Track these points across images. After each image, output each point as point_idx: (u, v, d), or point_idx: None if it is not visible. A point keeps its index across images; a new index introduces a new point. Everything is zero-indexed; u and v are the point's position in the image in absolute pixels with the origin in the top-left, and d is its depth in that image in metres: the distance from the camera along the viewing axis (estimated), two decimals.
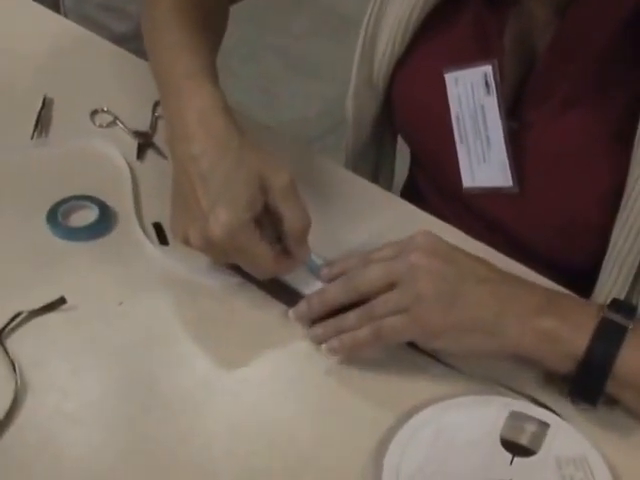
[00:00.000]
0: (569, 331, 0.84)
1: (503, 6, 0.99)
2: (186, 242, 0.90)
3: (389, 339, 0.87)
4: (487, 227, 1.09)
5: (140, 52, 1.26)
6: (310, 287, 0.93)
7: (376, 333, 0.86)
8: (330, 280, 0.92)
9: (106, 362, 0.91)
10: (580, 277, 1.00)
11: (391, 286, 0.86)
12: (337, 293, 0.89)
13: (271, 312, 0.95)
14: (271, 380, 0.91)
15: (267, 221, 0.90)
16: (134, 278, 0.98)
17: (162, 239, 1.02)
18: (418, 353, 0.90)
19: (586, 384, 0.85)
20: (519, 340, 0.85)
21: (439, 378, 0.90)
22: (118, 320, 0.94)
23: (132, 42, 1.40)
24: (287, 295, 0.94)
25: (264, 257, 0.89)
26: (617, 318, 0.84)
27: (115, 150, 1.12)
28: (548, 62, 0.97)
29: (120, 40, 1.31)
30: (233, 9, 1.17)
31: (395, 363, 0.91)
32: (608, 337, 0.83)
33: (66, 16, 1.54)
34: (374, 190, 1.13)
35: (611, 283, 0.98)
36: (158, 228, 1.02)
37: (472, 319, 0.85)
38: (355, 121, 1.17)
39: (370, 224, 1.05)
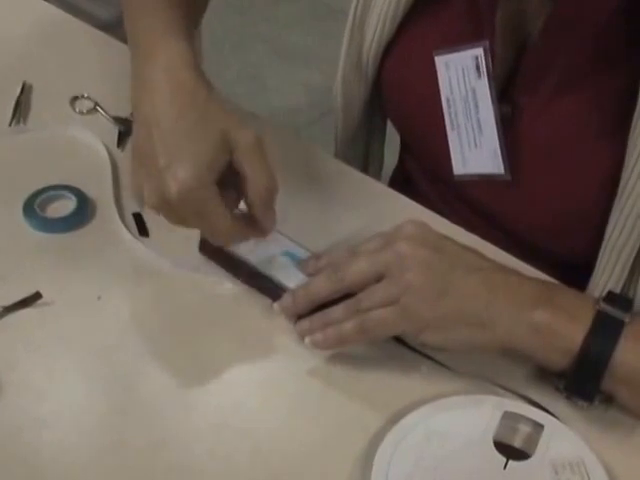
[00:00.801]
0: (563, 324, 0.81)
1: None
2: (141, 200, 0.86)
3: (376, 332, 0.84)
4: (479, 215, 1.06)
5: (124, 39, 1.23)
6: (295, 281, 0.90)
7: (362, 326, 0.83)
8: (313, 272, 0.89)
9: (83, 360, 0.87)
10: (575, 268, 0.98)
11: (379, 278, 0.83)
12: (322, 285, 0.85)
13: (255, 306, 0.92)
14: (255, 379, 0.87)
15: (232, 187, 0.85)
16: (113, 271, 0.95)
17: (142, 230, 0.98)
18: (407, 350, 0.87)
19: (582, 380, 0.82)
20: (510, 333, 0.82)
21: (429, 377, 0.87)
22: (96, 316, 0.90)
23: (117, 29, 1.36)
24: (272, 289, 0.91)
25: (223, 221, 0.83)
26: (613, 312, 0.82)
27: (95, 137, 1.08)
28: (541, 44, 0.94)
29: (104, 27, 1.27)
30: None
31: (383, 361, 0.87)
32: (604, 331, 0.81)
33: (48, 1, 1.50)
34: (363, 180, 1.10)
35: (607, 275, 0.95)
36: (138, 219, 0.99)
37: (462, 310, 0.82)
38: (344, 107, 1.14)
39: (359, 214, 1.02)
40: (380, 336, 0.85)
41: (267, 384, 0.86)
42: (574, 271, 0.97)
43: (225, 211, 0.84)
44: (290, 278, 0.90)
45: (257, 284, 0.93)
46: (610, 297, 0.83)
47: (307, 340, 0.85)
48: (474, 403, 0.83)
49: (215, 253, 0.95)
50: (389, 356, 0.87)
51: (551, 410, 0.83)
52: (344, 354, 0.87)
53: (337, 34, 1.26)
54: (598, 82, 0.93)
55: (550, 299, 0.83)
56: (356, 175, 1.10)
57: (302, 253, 0.93)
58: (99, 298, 0.92)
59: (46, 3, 1.34)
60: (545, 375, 0.86)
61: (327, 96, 1.18)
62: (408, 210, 1.04)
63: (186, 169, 0.81)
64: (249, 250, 0.93)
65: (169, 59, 0.89)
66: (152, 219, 0.99)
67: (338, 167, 1.10)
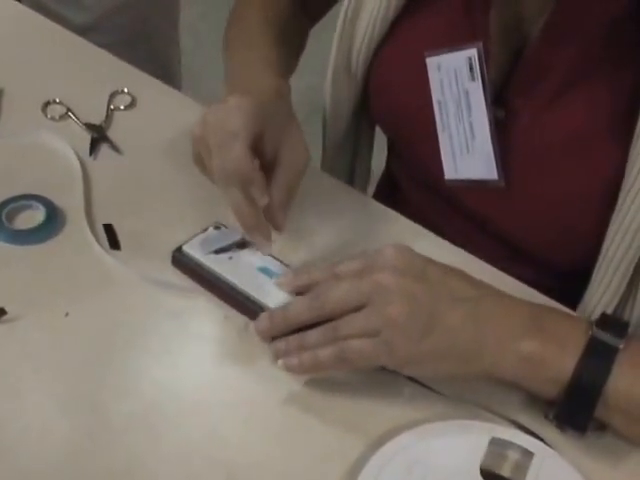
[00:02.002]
0: (553, 354, 0.78)
1: None
2: None
3: (355, 363, 0.80)
4: (471, 222, 1.02)
5: (100, 44, 1.19)
6: (272, 298, 0.86)
7: (340, 355, 0.79)
8: (291, 290, 0.85)
9: (49, 380, 0.83)
10: (571, 278, 0.95)
11: (359, 306, 0.79)
12: (301, 311, 0.81)
13: (231, 325, 0.87)
14: (229, 401, 0.83)
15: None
16: (82, 286, 0.90)
17: (113, 243, 0.93)
18: (389, 372, 0.82)
19: (573, 410, 0.79)
20: (498, 365, 0.78)
21: (413, 401, 0.82)
22: (63, 333, 0.86)
23: (91, 34, 1.33)
24: (247, 306, 0.87)
25: (244, 162, 0.84)
26: (606, 337, 0.78)
27: (66, 145, 1.04)
28: (540, 47, 0.91)
29: (79, 31, 1.23)
30: None
31: (364, 383, 0.83)
32: (597, 359, 0.77)
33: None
34: (347, 191, 1.06)
35: (603, 287, 0.91)
36: (109, 230, 0.94)
37: (447, 345, 0.78)
38: (332, 110, 1.10)
39: (342, 227, 0.98)
40: (358, 367, 0.81)
41: (242, 409, 0.82)
42: (571, 279, 0.94)
43: (249, 156, 0.84)
44: (267, 296, 0.86)
45: (232, 301, 0.88)
46: (604, 320, 0.80)
47: (280, 363, 0.81)
48: (460, 429, 0.79)
49: (188, 266, 0.91)
50: (370, 378, 0.83)
51: (542, 436, 0.80)
52: (322, 376, 0.83)
53: (323, 36, 1.23)
54: (597, 88, 0.89)
55: (540, 326, 0.79)
56: (340, 186, 1.06)
57: (279, 268, 0.89)
58: (67, 314, 0.87)
59: (20, 5, 1.30)
60: (536, 399, 0.82)
61: (312, 98, 1.14)
62: (393, 223, 1.00)
63: (241, 101, 0.86)
64: (224, 264, 0.89)
65: (261, 91, 0.92)
66: (124, 231, 0.94)
67: (321, 178, 1.06)
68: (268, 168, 0.88)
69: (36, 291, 0.89)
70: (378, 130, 1.14)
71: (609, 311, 0.91)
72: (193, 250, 0.91)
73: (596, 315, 0.88)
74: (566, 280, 0.93)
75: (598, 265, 0.91)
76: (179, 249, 0.91)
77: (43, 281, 0.90)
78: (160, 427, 0.80)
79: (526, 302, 0.82)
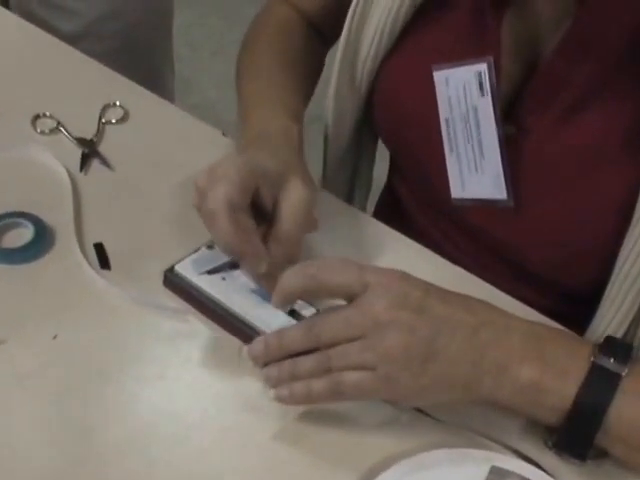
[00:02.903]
0: (553, 380, 0.76)
1: (502, 1, 0.91)
2: None
3: (350, 397, 0.77)
4: (476, 242, 1.00)
5: (89, 53, 1.17)
6: (266, 321, 0.84)
7: (335, 389, 0.76)
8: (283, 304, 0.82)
9: (36, 405, 0.81)
10: (580, 301, 0.92)
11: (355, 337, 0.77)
12: (297, 339, 0.78)
13: (223, 349, 0.85)
14: (221, 428, 0.81)
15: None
16: (71, 307, 0.88)
17: (103, 262, 0.91)
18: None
19: (574, 437, 0.77)
20: (496, 392, 0.77)
21: (410, 428, 0.81)
22: (51, 356, 0.84)
23: (82, 42, 1.31)
24: (240, 329, 0.85)
25: (230, 237, 0.82)
26: (609, 364, 0.76)
27: (55, 160, 1.01)
28: (555, 61, 0.88)
29: (69, 40, 1.21)
30: (202, 3, 1.09)
31: (359, 409, 0.81)
32: (599, 387, 0.75)
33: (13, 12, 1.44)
34: (347, 209, 1.04)
35: (613, 311, 0.89)
36: (100, 249, 0.92)
37: (446, 375, 0.76)
38: (335, 123, 1.08)
39: (340, 246, 0.96)
40: (353, 400, 0.79)
41: (235, 436, 0.80)
42: (580, 302, 0.92)
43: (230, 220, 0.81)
44: (260, 318, 0.84)
45: (225, 323, 0.86)
46: (608, 344, 0.78)
47: (272, 393, 0.78)
48: (458, 458, 0.77)
49: (180, 287, 0.89)
50: (364, 403, 0.81)
51: (542, 464, 0.78)
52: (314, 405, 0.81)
53: None
54: (612, 104, 0.87)
55: (540, 352, 0.77)
56: (340, 204, 1.04)
57: None
58: (55, 337, 0.85)
59: (10, 13, 1.28)
60: (535, 425, 0.80)
61: (311, 104, 1.13)
62: (394, 242, 0.98)
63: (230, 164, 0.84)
64: (217, 285, 0.87)
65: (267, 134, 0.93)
66: (114, 250, 0.92)
67: (320, 195, 1.03)
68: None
69: (23, 313, 0.87)
70: (381, 144, 1.12)
71: (620, 333, 0.89)
72: (185, 270, 0.89)
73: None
74: (573, 303, 0.91)
75: (610, 286, 0.88)
76: (171, 269, 0.89)
77: (31, 302, 0.88)
78: (152, 452, 0.78)
79: (527, 324, 0.80)
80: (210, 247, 0.90)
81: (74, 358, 0.84)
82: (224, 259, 0.89)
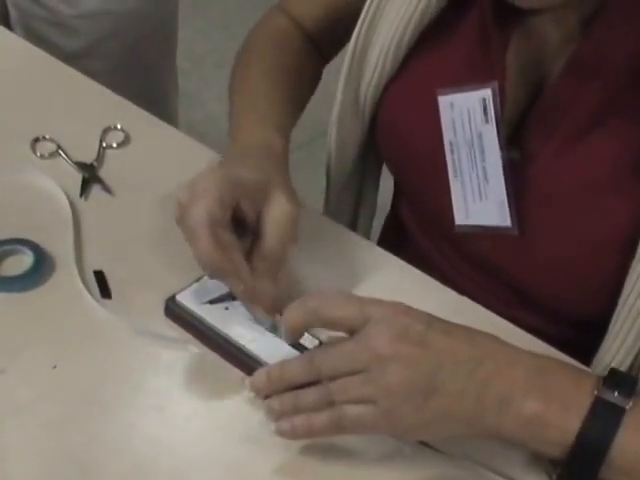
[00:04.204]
0: (557, 415, 0.75)
1: (507, 25, 0.90)
2: None
3: (352, 431, 0.77)
4: (481, 270, 0.99)
5: (91, 71, 1.16)
6: (270, 354, 0.82)
7: (336, 423, 0.75)
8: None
9: (34, 437, 0.80)
10: (585, 330, 0.92)
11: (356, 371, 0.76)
12: (298, 371, 0.77)
13: (226, 379, 0.84)
14: (221, 462, 0.80)
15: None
16: (71, 336, 0.87)
17: (104, 291, 0.90)
18: None
19: (577, 471, 0.75)
20: (500, 426, 0.75)
21: (414, 460, 0.79)
22: (50, 387, 0.83)
23: (84, 60, 1.30)
24: (244, 361, 0.84)
25: (211, 255, 0.81)
26: (613, 398, 0.75)
27: (55, 185, 1.00)
28: (561, 86, 0.88)
29: (70, 58, 1.21)
30: (205, 16, 1.09)
31: (361, 441, 0.80)
32: (602, 421, 0.74)
33: (13, 31, 1.44)
34: (350, 236, 1.03)
35: (618, 343, 0.88)
36: (100, 278, 0.91)
37: (449, 410, 0.75)
38: (338, 149, 1.07)
39: (344, 273, 0.95)
40: (355, 434, 0.78)
41: (235, 468, 0.79)
42: (586, 331, 0.91)
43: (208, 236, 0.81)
44: (263, 349, 0.83)
45: (227, 354, 0.85)
46: (612, 377, 0.77)
47: (273, 427, 0.77)
48: None
49: (182, 317, 0.88)
50: (367, 435, 0.80)
51: None
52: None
53: None
54: (619, 130, 0.86)
55: (543, 385, 0.76)
56: (343, 231, 1.03)
57: (276, 320, 0.85)
58: (54, 367, 0.84)
59: (11, 34, 1.27)
60: (539, 458, 0.79)
61: (310, 122, 1.12)
62: (397, 270, 0.97)
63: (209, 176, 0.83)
64: (219, 315, 0.87)
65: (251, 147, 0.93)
66: (115, 278, 0.91)
67: (323, 222, 1.03)
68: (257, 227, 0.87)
69: (22, 342, 0.86)
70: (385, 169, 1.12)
71: (626, 364, 0.88)
72: (187, 300, 0.88)
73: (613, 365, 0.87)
74: (580, 331, 0.91)
75: (615, 316, 0.87)
76: (172, 298, 0.88)
77: (30, 331, 0.87)
78: None
79: (530, 356, 0.79)
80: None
81: (73, 389, 0.83)
82: (226, 289, 0.88)
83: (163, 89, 1.57)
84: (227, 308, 0.87)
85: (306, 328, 0.80)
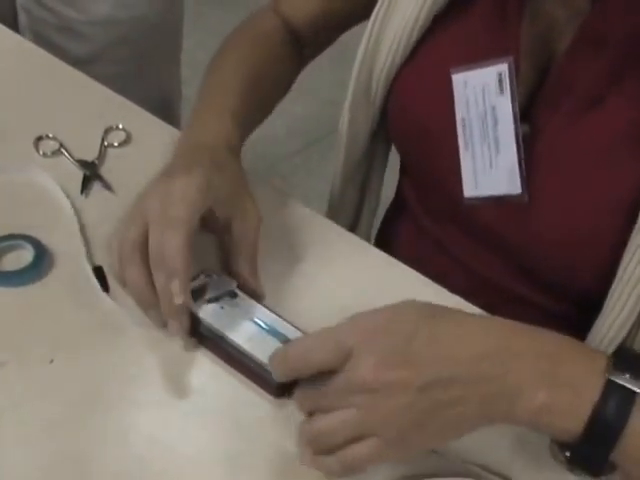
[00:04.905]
0: (568, 403, 0.73)
1: (519, 4, 0.93)
2: None
3: (365, 467, 0.74)
4: (484, 244, 1.00)
5: (98, 76, 1.17)
6: (266, 353, 0.82)
7: (347, 466, 0.74)
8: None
9: (32, 433, 0.80)
10: (584, 303, 0.93)
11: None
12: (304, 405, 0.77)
13: (229, 382, 0.85)
14: (222, 459, 0.80)
15: None
16: (69, 331, 0.88)
17: (104, 285, 0.91)
18: None
19: (588, 455, 0.74)
20: (509, 419, 0.74)
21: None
22: (48, 381, 0.84)
23: (92, 66, 1.31)
24: (240, 360, 0.84)
25: (181, 255, 0.83)
26: (624, 379, 0.73)
27: (55, 183, 1.01)
28: (567, 62, 0.91)
29: (78, 63, 1.22)
30: (206, 28, 1.10)
31: None
32: (614, 405, 0.72)
33: (23, 35, 1.45)
34: (350, 238, 1.03)
35: (616, 312, 0.89)
36: (99, 273, 0.92)
37: (455, 418, 0.73)
38: (349, 135, 1.08)
39: (343, 275, 0.96)
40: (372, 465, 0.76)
41: (232, 464, 0.79)
42: (582, 307, 0.92)
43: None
44: (258, 348, 0.84)
45: (221, 352, 0.86)
46: (621, 358, 0.75)
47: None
48: None
49: None
50: None
51: None
52: None
53: (321, 63, 1.21)
54: (623, 100, 0.89)
55: (554, 374, 0.73)
56: (342, 233, 1.03)
57: (272, 319, 0.87)
58: (52, 361, 0.85)
59: (16, 36, 1.28)
60: (529, 454, 0.80)
61: (308, 126, 1.13)
62: (395, 271, 0.98)
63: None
64: (215, 314, 0.87)
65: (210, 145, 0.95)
66: (114, 274, 0.92)
67: (322, 225, 1.03)
68: (223, 230, 0.92)
69: (19, 336, 0.87)
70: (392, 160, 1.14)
71: (621, 335, 0.89)
72: None
73: (607, 339, 0.88)
74: (576, 307, 0.91)
75: (614, 286, 0.89)
76: None
77: (27, 326, 0.88)
78: None
79: (535, 344, 0.75)
80: (209, 275, 0.90)
81: (71, 384, 0.84)
82: (223, 288, 0.89)
83: (168, 94, 1.58)
84: (223, 307, 0.87)
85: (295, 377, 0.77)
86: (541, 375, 0.74)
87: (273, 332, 0.85)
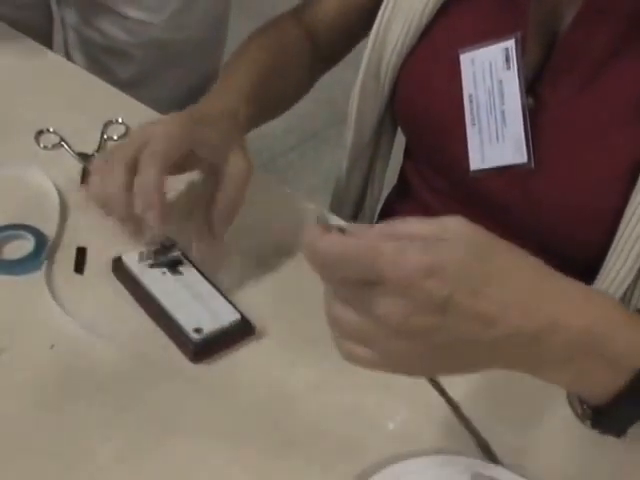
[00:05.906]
0: (604, 372, 0.71)
1: None
2: None
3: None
4: (487, 220, 0.98)
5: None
6: (192, 323, 0.86)
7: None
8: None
9: (33, 420, 0.81)
10: (585, 269, 0.93)
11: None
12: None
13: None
14: (211, 441, 0.81)
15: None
16: (69, 318, 0.89)
17: (79, 266, 0.94)
18: (372, 403, 0.82)
19: (615, 419, 0.74)
20: (549, 379, 0.71)
21: (392, 436, 0.82)
22: (48, 367, 0.85)
23: (138, 89, 1.32)
24: (169, 326, 0.87)
25: (155, 187, 0.86)
26: None
27: (57, 175, 1.03)
28: (572, 36, 0.94)
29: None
30: None
31: (339, 418, 0.82)
32: None
33: (69, 56, 1.47)
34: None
35: (614, 273, 0.92)
36: (80, 253, 0.95)
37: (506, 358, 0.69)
38: (357, 120, 1.12)
39: None
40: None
41: (224, 446, 0.81)
42: (584, 274, 0.90)
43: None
44: (187, 317, 0.86)
45: (155, 316, 0.89)
46: None
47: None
48: (441, 464, 0.78)
49: (124, 277, 0.92)
50: (353, 410, 0.83)
51: (526, 475, 0.78)
52: (304, 408, 0.83)
53: None
54: (627, 71, 0.93)
55: (591, 342, 0.69)
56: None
57: (208, 291, 0.90)
58: (52, 346, 0.87)
59: (15, 31, 1.30)
60: (519, 433, 0.82)
61: (305, 124, 1.14)
62: None
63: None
64: (155, 279, 0.90)
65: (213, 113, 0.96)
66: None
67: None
68: (209, 180, 0.93)
69: (21, 323, 0.89)
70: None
71: (617, 296, 0.92)
72: (131, 261, 0.91)
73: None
74: (578, 276, 0.92)
75: (612, 248, 0.92)
76: (119, 258, 0.92)
77: (28, 312, 0.90)
78: (146, 467, 0.79)
79: (580, 317, 0.70)
80: (163, 243, 0.92)
81: (71, 370, 0.85)
82: (170, 255, 0.92)
83: None
84: (164, 273, 0.90)
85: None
86: (580, 341, 0.69)
87: (201, 300, 0.89)
